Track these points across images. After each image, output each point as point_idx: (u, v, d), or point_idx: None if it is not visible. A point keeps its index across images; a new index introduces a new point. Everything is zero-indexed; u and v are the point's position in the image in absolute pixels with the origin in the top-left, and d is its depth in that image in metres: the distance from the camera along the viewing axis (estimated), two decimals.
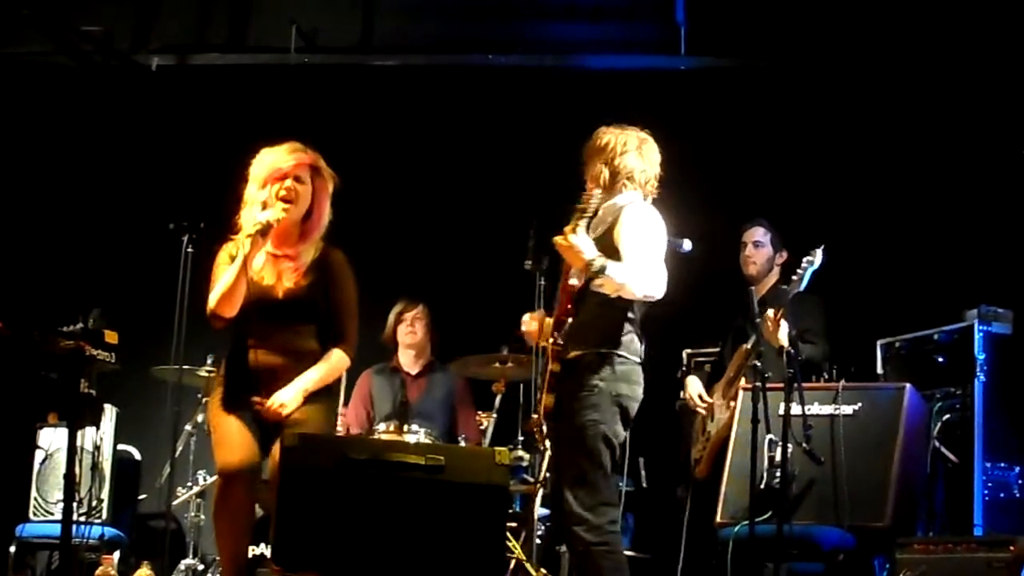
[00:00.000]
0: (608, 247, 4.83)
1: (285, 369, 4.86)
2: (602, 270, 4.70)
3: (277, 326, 4.89)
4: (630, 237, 4.84)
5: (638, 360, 4.88)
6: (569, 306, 4.86)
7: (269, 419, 4.79)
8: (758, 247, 6.39)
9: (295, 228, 4.95)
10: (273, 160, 4.93)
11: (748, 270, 6.38)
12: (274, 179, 4.91)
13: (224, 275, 4.85)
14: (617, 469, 4.93)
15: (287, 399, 4.80)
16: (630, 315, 4.87)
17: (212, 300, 4.86)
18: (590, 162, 5.04)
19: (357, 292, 5.04)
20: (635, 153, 5.01)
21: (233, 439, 4.81)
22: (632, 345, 4.87)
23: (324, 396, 4.95)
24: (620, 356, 4.82)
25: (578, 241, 4.75)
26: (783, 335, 5.62)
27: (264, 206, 4.89)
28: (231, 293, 4.81)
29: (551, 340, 4.90)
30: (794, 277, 5.69)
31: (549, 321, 5.00)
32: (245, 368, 4.89)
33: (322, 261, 4.98)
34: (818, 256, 5.63)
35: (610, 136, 5.03)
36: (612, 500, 4.78)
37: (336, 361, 4.94)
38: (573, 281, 4.86)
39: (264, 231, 4.82)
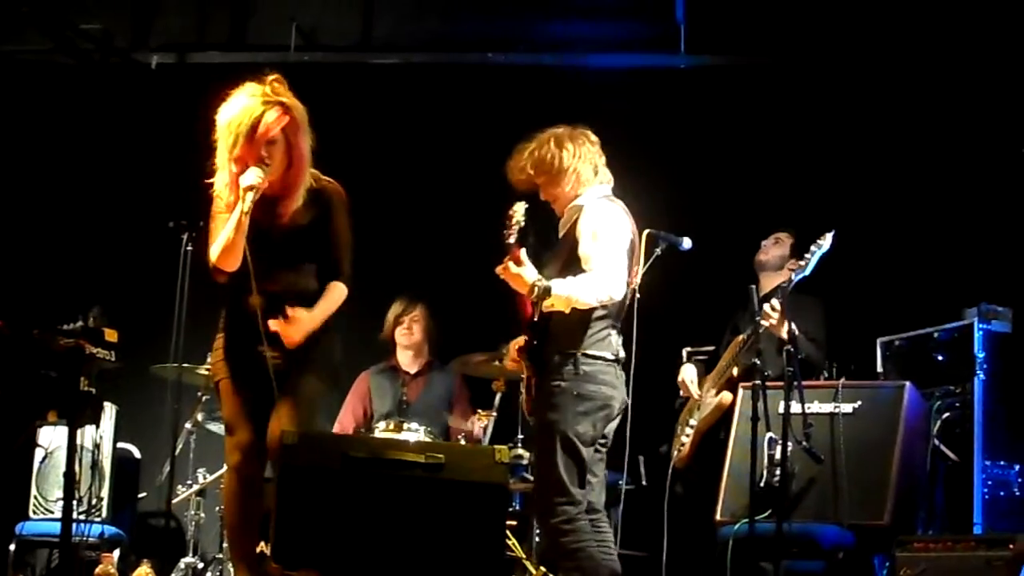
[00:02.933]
0: (571, 247, 4.90)
1: (286, 312, 4.76)
2: (547, 292, 4.77)
3: (277, 265, 4.80)
4: (586, 243, 4.89)
5: (611, 358, 4.89)
6: (529, 333, 4.96)
7: (277, 365, 4.71)
8: (778, 243, 6.39)
9: (289, 172, 4.82)
10: (242, 122, 4.73)
11: (759, 256, 6.38)
12: (253, 149, 4.73)
13: (224, 229, 4.75)
14: (585, 471, 4.96)
15: (294, 331, 4.70)
16: (599, 312, 4.89)
17: (213, 254, 4.78)
18: (545, 186, 5.06)
19: (351, 227, 4.96)
20: (571, 146, 5.04)
21: (239, 417, 4.77)
22: (604, 343, 4.89)
23: (325, 363, 4.88)
24: (587, 356, 4.84)
25: (519, 268, 4.81)
26: (784, 328, 5.64)
27: (242, 164, 4.73)
28: (233, 247, 4.72)
29: (519, 363, 5.02)
30: (801, 262, 5.69)
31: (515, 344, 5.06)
32: (245, 315, 4.79)
33: (319, 195, 4.89)
34: (827, 240, 5.62)
35: (540, 149, 5.05)
36: (571, 498, 4.78)
37: (336, 294, 4.86)
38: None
39: (257, 192, 4.70)
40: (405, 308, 7.06)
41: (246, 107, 4.76)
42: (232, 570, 5.01)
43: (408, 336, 7.05)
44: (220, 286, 4.89)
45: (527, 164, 5.06)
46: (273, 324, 4.72)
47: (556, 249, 5.06)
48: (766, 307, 5.71)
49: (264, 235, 4.78)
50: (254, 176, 4.69)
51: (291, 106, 4.81)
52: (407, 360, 7.08)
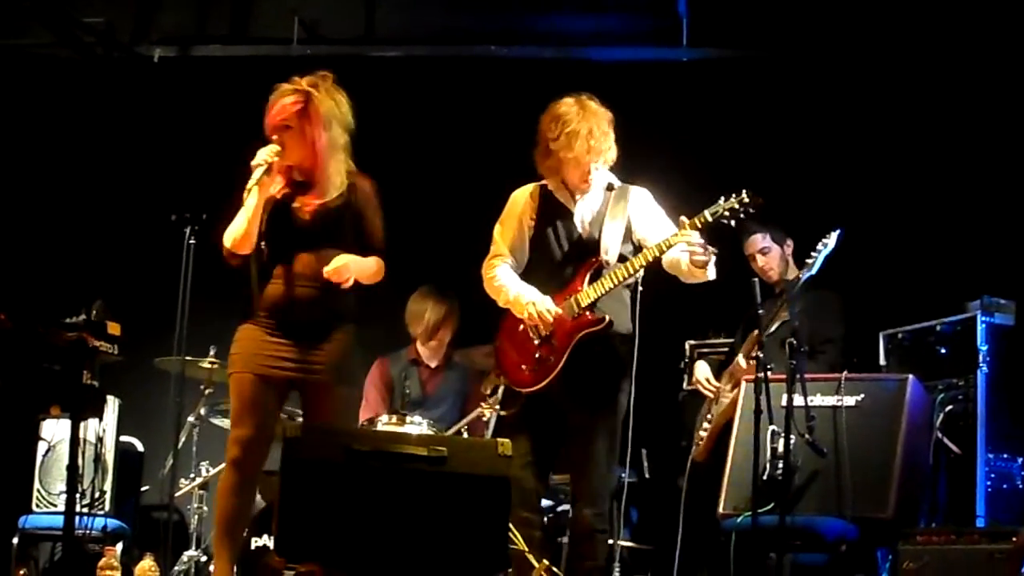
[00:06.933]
0: (626, 229, 5.03)
1: (312, 299, 4.88)
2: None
3: (304, 249, 4.91)
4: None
5: None
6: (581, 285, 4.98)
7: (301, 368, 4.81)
8: (766, 253, 6.33)
9: (306, 159, 4.98)
10: (269, 114, 4.99)
11: (770, 279, 6.29)
12: (269, 132, 4.98)
13: (239, 214, 4.89)
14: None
15: (343, 264, 4.81)
16: None
17: (227, 239, 4.89)
18: (610, 141, 5.11)
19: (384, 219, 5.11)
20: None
21: (248, 413, 4.88)
22: None
23: (348, 367, 5.00)
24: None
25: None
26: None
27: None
28: (247, 233, 4.86)
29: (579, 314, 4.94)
30: (807, 260, 5.69)
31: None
32: (272, 303, 4.91)
33: (352, 187, 5.03)
34: (833, 239, 5.64)
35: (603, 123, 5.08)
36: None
37: (373, 261, 4.98)
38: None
39: (267, 170, 4.87)
40: (442, 319, 6.92)
41: (276, 93, 4.99)
42: (215, 562, 5.01)
43: (437, 345, 6.96)
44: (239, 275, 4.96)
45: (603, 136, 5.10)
46: (326, 270, 4.80)
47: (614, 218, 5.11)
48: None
49: (289, 220, 4.91)
50: (264, 153, 4.85)
51: (313, 97, 4.97)
52: (427, 354, 7.02)
